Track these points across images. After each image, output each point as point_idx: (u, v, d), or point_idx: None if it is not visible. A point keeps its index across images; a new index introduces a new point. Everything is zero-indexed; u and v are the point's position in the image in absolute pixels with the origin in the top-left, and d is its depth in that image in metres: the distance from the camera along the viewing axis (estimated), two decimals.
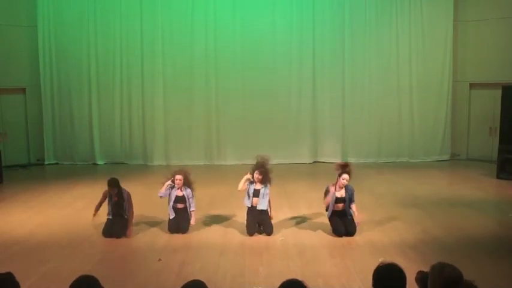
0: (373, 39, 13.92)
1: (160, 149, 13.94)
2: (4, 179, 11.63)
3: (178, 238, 7.36)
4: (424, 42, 13.98)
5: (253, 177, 7.43)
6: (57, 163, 14.05)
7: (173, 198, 7.53)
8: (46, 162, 13.96)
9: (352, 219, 7.34)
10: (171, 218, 7.56)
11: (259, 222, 7.49)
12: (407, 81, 14.04)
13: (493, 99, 13.19)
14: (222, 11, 13.75)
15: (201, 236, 7.46)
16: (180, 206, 7.58)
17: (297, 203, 9.27)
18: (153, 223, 8.09)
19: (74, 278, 3.08)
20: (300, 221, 8.21)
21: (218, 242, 7.16)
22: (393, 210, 8.81)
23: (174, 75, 13.88)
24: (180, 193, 7.58)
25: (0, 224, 8.13)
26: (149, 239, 7.30)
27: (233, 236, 7.45)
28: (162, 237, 7.38)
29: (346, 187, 7.33)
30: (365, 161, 13.79)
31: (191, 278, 3.25)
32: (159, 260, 6.39)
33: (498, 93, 12.15)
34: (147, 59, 13.82)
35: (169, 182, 7.52)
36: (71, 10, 13.71)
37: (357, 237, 7.27)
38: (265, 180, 7.41)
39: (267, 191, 7.46)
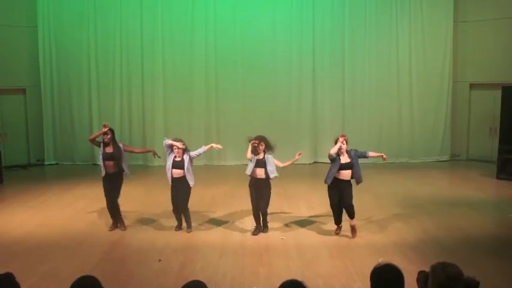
0: (373, 39, 13.92)
1: (160, 150, 13.82)
2: (4, 179, 11.63)
3: (178, 238, 7.36)
4: (424, 42, 13.98)
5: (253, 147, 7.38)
6: (57, 163, 14.05)
7: (170, 163, 7.48)
8: (46, 163, 13.96)
9: (350, 192, 7.19)
10: (170, 183, 7.57)
11: (258, 195, 7.39)
12: (407, 81, 14.04)
13: (493, 99, 13.20)
14: (222, 11, 13.75)
15: (201, 236, 7.47)
16: (176, 173, 7.46)
17: (297, 204, 9.27)
18: (153, 223, 8.10)
19: (74, 278, 3.08)
20: (300, 221, 8.21)
21: (218, 242, 7.16)
22: (393, 210, 8.81)
23: (174, 75, 13.88)
24: (178, 158, 7.49)
25: (0, 224, 8.14)
26: (149, 239, 7.30)
27: (233, 236, 7.45)
28: (162, 237, 7.38)
29: (349, 152, 7.17)
30: (365, 161, 13.64)
31: (191, 278, 3.25)
32: (159, 260, 6.40)
33: (498, 93, 12.16)
34: (147, 59, 13.82)
35: (176, 144, 7.45)
36: (71, 10, 13.72)
37: (356, 238, 7.27)
38: (264, 148, 7.35)
39: (270, 158, 7.35)
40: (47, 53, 13.78)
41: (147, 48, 13.80)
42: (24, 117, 14.02)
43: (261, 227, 7.56)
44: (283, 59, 13.87)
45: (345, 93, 14.00)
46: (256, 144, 7.30)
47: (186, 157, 7.51)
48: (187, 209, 7.63)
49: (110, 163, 7.49)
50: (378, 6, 13.91)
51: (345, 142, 7.09)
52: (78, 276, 3.11)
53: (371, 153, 7.44)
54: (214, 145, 7.94)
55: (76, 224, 8.13)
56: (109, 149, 7.51)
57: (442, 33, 13.95)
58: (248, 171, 7.42)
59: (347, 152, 7.19)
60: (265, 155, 7.33)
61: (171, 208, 7.70)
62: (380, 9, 13.91)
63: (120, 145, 7.63)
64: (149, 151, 8.23)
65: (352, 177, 7.21)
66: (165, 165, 7.77)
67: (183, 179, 7.49)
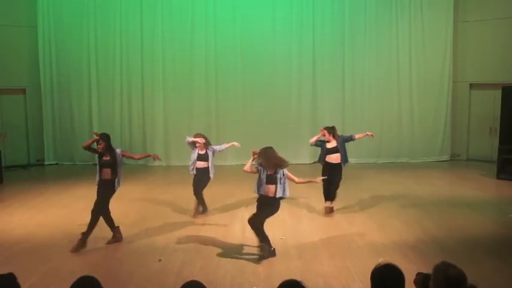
0: (373, 39, 13.92)
1: (160, 149, 13.92)
2: (4, 179, 11.64)
3: (178, 238, 7.36)
4: (424, 42, 13.98)
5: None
6: (57, 163, 14.05)
7: (195, 156, 8.25)
8: (46, 163, 13.96)
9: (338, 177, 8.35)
10: (191, 173, 8.37)
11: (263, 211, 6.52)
12: (408, 81, 14.04)
13: (493, 99, 13.20)
14: (222, 11, 13.76)
15: (201, 236, 7.46)
16: (200, 164, 8.26)
17: (297, 203, 9.26)
18: (153, 223, 8.09)
19: (74, 278, 3.08)
20: (300, 221, 8.21)
21: (218, 242, 7.15)
22: (393, 210, 8.80)
23: (174, 75, 13.89)
24: (202, 151, 8.28)
25: (0, 224, 8.14)
26: (149, 239, 7.30)
27: (233, 236, 7.45)
28: (162, 237, 7.38)
29: (337, 138, 8.26)
30: (365, 161, 13.78)
31: (191, 278, 3.25)
32: (159, 260, 6.39)
33: (498, 93, 12.16)
34: (147, 59, 13.83)
35: (197, 140, 8.24)
36: (71, 10, 13.72)
37: (356, 238, 7.27)
38: (269, 163, 6.40)
39: (283, 174, 6.44)
40: (47, 53, 13.78)
41: (147, 48, 13.80)
42: (24, 117, 14.02)
43: (272, 249, 6.49)
44: (283, 59, 13.87)
45: (344, 93, 14.00)
46: (255, 156, 6.53)
47: (209, 151, 8.34)
48: (201, 195, 8.45)
49: (108, 170, 7.11)
50: (378, 6, 13.91)
51: (326, 133, 8.24)
52: (78, 276, 3.12)
53: (357, 135, 8.49)
54: (235, 143, 8.66)
55: (76, 224, 8.10)
56: (106, 157, 7.16)
57: (442, 33, 13.95)
58: (257, 189, 6.45)
59: (335, 138, 8.26)
60: (277, 170, 6.41)
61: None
62: (380, 9, 13.92)
63: (118, 151, 7.24)
64: (149, 155, 7.90)
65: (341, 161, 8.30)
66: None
67: (205, 170, 8.31)
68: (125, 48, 13.85)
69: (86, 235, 6.85)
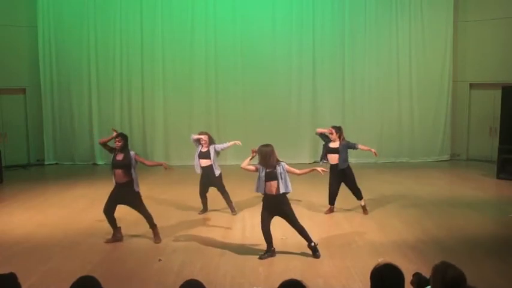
0: (373, 39, 13.92)
1: (161, 149, 13.95)
2: (4, 179, 11.65)
3: (178, 238, 7.36)
4: (424, 42, 13.98)
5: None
6: (57, 163, 14.06)
7: (197, 154, 8.39)
8: (46, 163, 13.96)
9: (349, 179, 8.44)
10: (198, 172, 8.44)
11: (281, 215, 6.52)
12: (408, 81, 14.04)
13: (493, 99, 13.20)
14: (222, 11, 13.77)
15: (201, 236, 7.47)
16: (203, 162, 8.33)
17: (297, 203, 9.26)
18: None
19: (74, 278, 3.08)
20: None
21: (218, 242, 7.16)
22: (393, 210, 8.81)
23: (174, 76, 13.90)
24: (204, 149, 8.38)
25: (0, 224, 8.14)
26: (149, 239, 7.30)
27: (233, 236, 7.45)
28: (162, 237, 7.37)
29: (341, 141, 8.34)
30: (365, 161, 13.75)
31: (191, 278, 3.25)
32: (159, 260, 6.40)
33: (498, 93, 12.16)
34: (147, 59, 13.84)
35: (201, 137, 8.40)
36: (71, 10, 13.73)
37: (356, 238, 7.28)
38: (266, 162, 6.32)
39: (283, 169, 6.31)
40: (47, 53, 13.79)
41: (147, 48, 13.81)
42: (24, 117, 14.02)
43: (273, 249, 6.59)
44: (283, 59, 13.88)
45: (344, 93, 14.00)
46: (254, 154, 6.50)
47: (211, 148, 8.37)
48: (225, 193, 8.58)
49: (119, 171, 7.05)
50: (378, 6, 13.90)
51: (333, 132, 8.35)
52: (78, 276, 3.12)
53: (361, 146, 8.49)
54: (237, 142, 8.61)
55: (76, 224, 8.13)
56: (119, 156, 7.12)
57: (442, 33, 13.94)
58: (258, 189, 6.42)
59: (339, 139, 8.35)
60: (275, 166, 6.31)
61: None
62: (380, 9, 13.91)
63: (132, 153, 7.16)
64: (160, 164, 7.70)
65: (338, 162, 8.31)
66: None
67: (210, 167, 8.35)
68: (125, 48, 13.86)
69: (114, 229, 7.18)
